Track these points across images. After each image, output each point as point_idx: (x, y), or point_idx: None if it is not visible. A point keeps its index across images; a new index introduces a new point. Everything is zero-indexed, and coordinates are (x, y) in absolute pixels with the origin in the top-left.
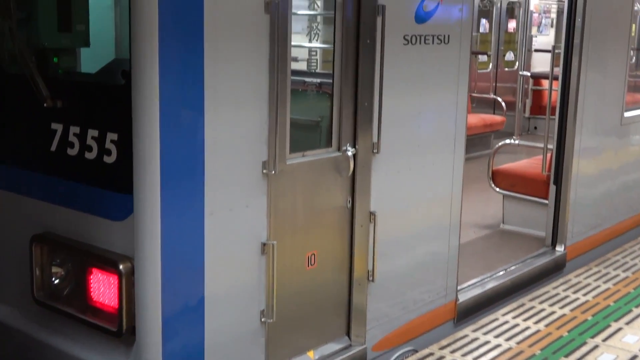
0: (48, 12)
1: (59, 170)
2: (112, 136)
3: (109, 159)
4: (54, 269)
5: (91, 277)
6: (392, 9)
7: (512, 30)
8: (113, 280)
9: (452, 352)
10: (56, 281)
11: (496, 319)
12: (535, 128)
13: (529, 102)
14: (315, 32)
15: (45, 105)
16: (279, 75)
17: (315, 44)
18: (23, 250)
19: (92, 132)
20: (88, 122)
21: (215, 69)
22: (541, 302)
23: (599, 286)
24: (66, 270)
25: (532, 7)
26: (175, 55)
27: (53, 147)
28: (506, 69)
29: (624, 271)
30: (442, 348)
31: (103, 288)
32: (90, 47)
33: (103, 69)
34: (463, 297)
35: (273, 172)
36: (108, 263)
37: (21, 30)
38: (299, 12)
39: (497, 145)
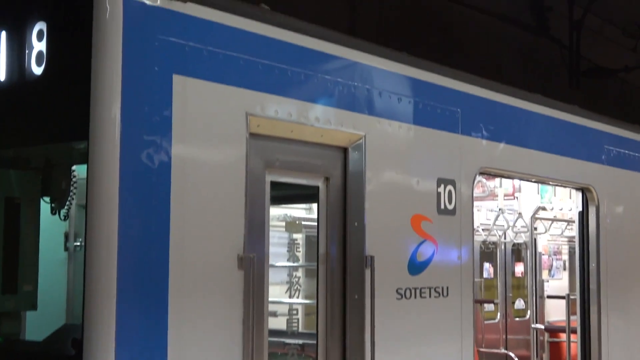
0: None
1: None
2: None
3: None
4: None
5: None
6: (382, 260)
7: (520, 275)
8: None
9: None
10: None
11: None
12: None
13: (546, 356)
14: (295, 286)
15: None
16: (255, 338)
17: (297, 300)
18: None
19: None
20: None
21: (180, 333)
22: None
23: None
24: None
25: (540, 249)
26: (134, 321)
27: None
28: (517, 319)
29: None
30: None
31: None
32: (38, 310)
33: (51, 337)
34: None
35: None
36: None
37: None
38: (277, 265)
39: None
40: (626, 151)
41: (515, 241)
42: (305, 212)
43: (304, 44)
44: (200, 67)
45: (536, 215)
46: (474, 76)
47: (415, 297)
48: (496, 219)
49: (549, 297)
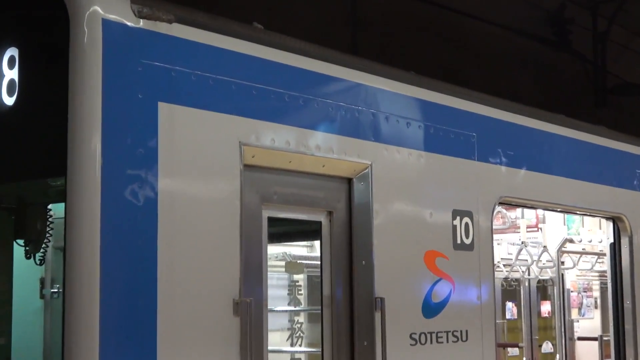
0: None
1: None
2: None
3: None
4: None
5: None
6: (393, 302)
7: (546, 315)
8: None
9: None
10: None
11: None
12: None
13: None
14: (298, 333)
15: None
16: None
17: (299, 348)
18: None
19: None
20: None
21: None
22: None
23: None
24: None
25: (568, 285)
26: None
27: None
28: None
29: None
30: None
31: None
32: None
33: None
34: None
35: None
36: None
37: None
38: (277, 309)
39: None
40: None
41: (540, 277)
42: (306, 250)
43: (302, 66)
44: (188, 93)
45: (563, 249)
46: (490, 97)
47: (431, 342)
48: (519, 253)
49: (580, 338)
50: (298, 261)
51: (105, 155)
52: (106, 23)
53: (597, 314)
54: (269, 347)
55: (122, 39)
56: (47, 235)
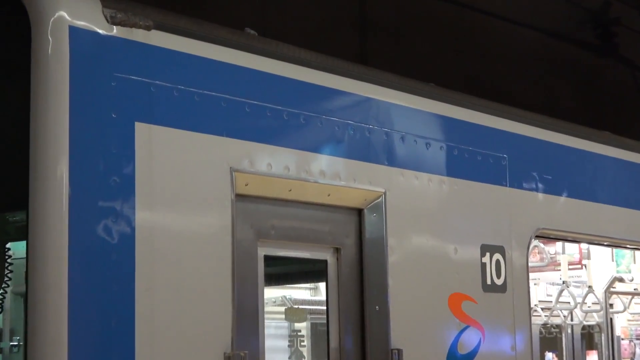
0: None
1: None
2: None
3: None
4: None
5: None
6: (413, 354)
7: None
8: None
9: None
10: None
11: None
12: None
13: None
14: None
15: None
16: None
17: None
18: None
19: None
20: None
21: None
22: None
23: None
24: None
25: (618, 332)
26: None
27: None
28: None
29: None
30: None
31: None
32: None
33: None
34: None
35: None
36: None
37: None
38: None
39: None
40: None
41: (585, 323)
42: (310, 293)
43: (303, 78)
44: (170, 111)
45: (611, 289)
46: (523, 112)
47: None
48: (559, 295)
49: None
50: (300, 307)
51: (73, 184)
52: (74, 31)
53: None
54: None
55: (93, 49)
56: (6, 279)
